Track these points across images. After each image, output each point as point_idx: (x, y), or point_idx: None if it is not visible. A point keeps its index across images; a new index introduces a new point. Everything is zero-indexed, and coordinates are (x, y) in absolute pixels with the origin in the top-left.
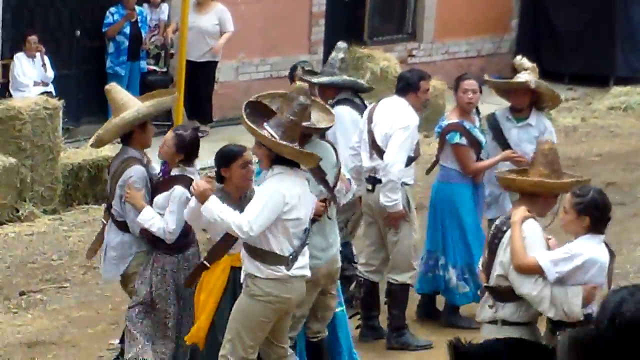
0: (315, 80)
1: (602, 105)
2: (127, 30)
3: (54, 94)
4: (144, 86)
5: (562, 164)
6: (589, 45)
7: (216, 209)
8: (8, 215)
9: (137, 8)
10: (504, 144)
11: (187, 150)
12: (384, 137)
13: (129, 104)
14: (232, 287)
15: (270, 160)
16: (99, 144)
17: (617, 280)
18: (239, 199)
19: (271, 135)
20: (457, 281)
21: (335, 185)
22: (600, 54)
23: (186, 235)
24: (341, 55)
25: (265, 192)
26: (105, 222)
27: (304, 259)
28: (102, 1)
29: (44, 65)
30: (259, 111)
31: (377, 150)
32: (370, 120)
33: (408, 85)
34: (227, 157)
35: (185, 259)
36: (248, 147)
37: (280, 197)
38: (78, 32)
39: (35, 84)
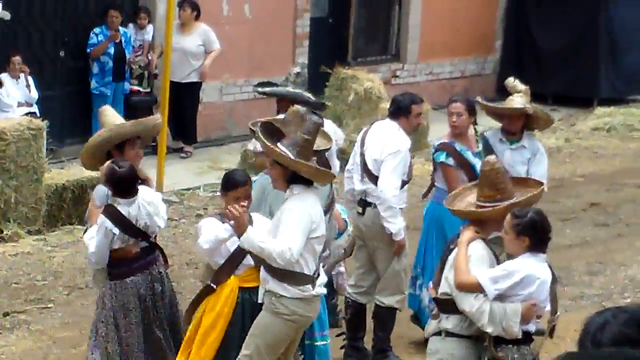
0: (260, 89)
1: (585, 126)
2: (112, 50)
3: (38, 114)
4: (128, 107)
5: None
6: (572, 66)
7: (257, 238)
8: None
9: (120, 29)
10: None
11: (115, 185)
12: (374, 162)
13: (111, 125)
14: (242, 307)
15: (285, 180)
16: (85, 166)
17: (601, 300)
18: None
19: (286, 153)
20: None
21: (325, 213)
22: (583, 75)
23: (125, 264)
24: (297, 69)
25: (294, 215)
26: None
27: (322, 277)
28: (86, 22)
29: (28, 85)
30: (271, 131)
31: (368, 173)
32: (362, 143)
33: (399, 109)
34: (226, 184)
35: (120, 287)
36: (229, 167)
37: (308, 217)
38: (62, 53)
39: (19, 104)
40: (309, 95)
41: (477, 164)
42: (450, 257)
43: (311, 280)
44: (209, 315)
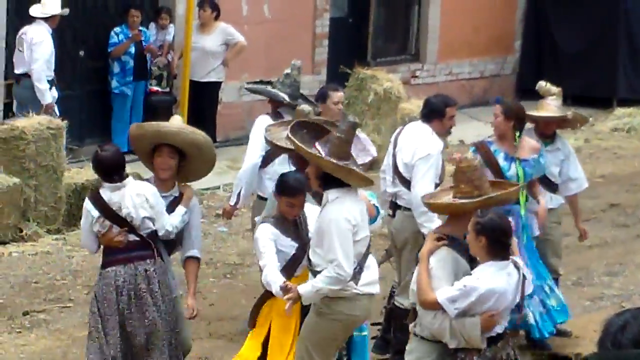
0: (246, 86)
1: (605, 127)
2: (132, 50)
3: (57, 114)
4: (148, 106)
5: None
6: (591, 66)
7: (309, 289)
8: (12, 235)
9: (141, 28)
10: None
11: (96, 168)
12: (404, 166)
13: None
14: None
15: (317, 179)
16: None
17: (621, 301)
18: (294, 224)
19: (318, 152)
20: None
21: None
22: (602, 76)
23: (111, 254)
24: (287, 70)
25: (332, 229)
26: None
27: (370, 275)
28: (106, 21)
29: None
30: (313, 130)
31: (399, 176)
32: (395, 144)
33: (433, 111)
34: (281, 188)
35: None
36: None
37: (347, 225)
38: (82, 52)
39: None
40: (282, 96)
41: (508, 167)
42: (415, 270)
43: (353, 277)
44: (279, 320)
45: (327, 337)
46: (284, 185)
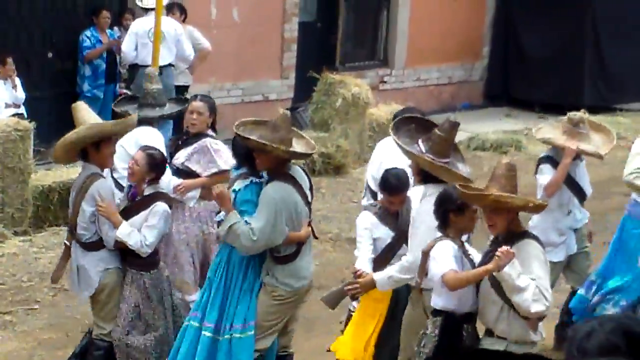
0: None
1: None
2: (104, 53)
3: (25, 115)
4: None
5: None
6: (559, 73)
7: (383, 276)
8: None
9: (107, 31)
10: (570, 181)
11: (159, 169)
12: (373, 180)
13: (87, 122)
14: (396, 298)
15: (418, 175)
16: (55, 160)
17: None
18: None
19: (420, 149)
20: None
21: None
22: (570, 83)
23: (156, 252)
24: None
25: (420, 223)
26: (68, 243)
27: None
28: (75, 24)
29: (14, 86)
30: (420, 125)
31: (370, 190)
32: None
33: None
34: (382, 183)
35: (157, 275)
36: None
37: (434, 222)
38: (50, 54)
39: (7, 105)
40: (153, 115)
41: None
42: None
43: None
44: (367, 303)
45: (420, 328)
46: (385, 183)
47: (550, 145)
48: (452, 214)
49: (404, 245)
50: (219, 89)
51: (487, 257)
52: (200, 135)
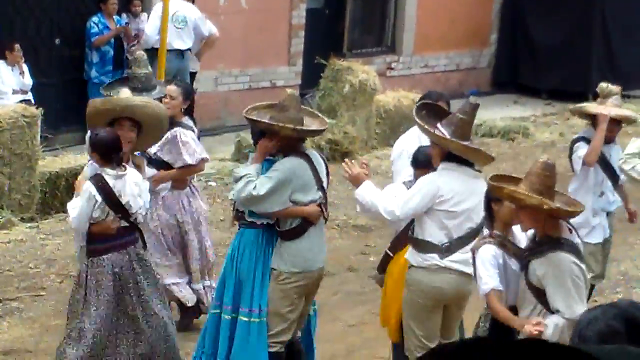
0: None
1: (580, 121)
2: (112, 40)
3: (32, 102)
4: None
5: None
6: (566, 61)
7: (369, 193)
8: None
9: (115, 17)
10: (604, 163)
11: (96, 149)
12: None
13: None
14: None
15: (440, 158)
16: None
17: (593, 296)
18: None
19: (442, 133)
20: None
21: (326, 192)
22: (577, 70)
23: (97, 240)
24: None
25: (420, 183)
26: None
27: (462, 255)
28: (82, 10)
29: (22, 73)
30: (434, 112)
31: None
32: None
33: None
34: (414, 160)
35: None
36: (224, 157)
37: (434, 188)
38: (57, 41)
39: (14, 92)
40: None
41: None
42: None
43: (437, 249)
44: (389, 282)
45: (418, 309)
46: (415, 159)
47: (583, 114)
48: (493, 203)
49: None
50: (226, 76)
51: (524, 255)
52: (174, 123)
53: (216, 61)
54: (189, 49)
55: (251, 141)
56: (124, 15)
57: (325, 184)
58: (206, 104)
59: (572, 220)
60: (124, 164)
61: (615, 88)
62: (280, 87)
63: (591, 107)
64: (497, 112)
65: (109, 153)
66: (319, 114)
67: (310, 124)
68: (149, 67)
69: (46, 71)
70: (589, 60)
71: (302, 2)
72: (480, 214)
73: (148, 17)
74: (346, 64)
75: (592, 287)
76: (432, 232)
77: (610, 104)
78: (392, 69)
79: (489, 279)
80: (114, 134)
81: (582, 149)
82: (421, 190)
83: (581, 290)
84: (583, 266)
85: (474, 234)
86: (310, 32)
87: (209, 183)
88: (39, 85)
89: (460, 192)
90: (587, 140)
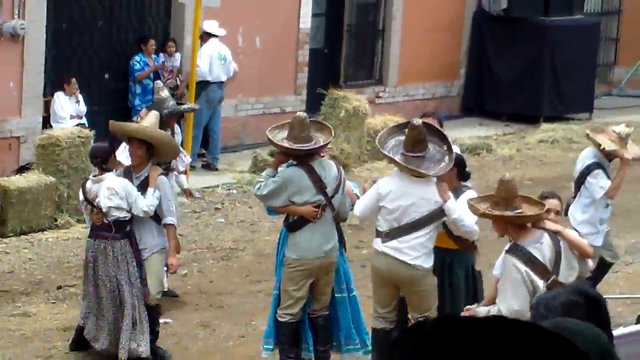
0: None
1: (533, 139)
2: (151, 74)
3: (86, 125)
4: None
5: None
6: (522, 90)
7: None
8: (48, 223)
9: (153, 56)
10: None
11: (90, 159)
12: None
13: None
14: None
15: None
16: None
17: None
18: None
19: (389, 147)
20: None
21: (333, 195)
22: (531, 98)
23: (106, 229)
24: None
25: (372, 189)
26: None
27: (398, 244)
28: (127, 50)
29: (78, 101)
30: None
31: None
32: None
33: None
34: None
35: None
36: (242, 169)
37: (375, 189)
38: (107, 76)
39: (71, 117)
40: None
41: None
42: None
43: (381, 235)
44: None
45: (373, 282)
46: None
47: (609, 152)
48: None
49: None
50: (244, 103)
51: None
52: None
53: (236, 92)
54: (222, 82)
55: (265, 157)
56: (161, 54)
57: (330, 189)
58: (227, 127)
59: (590, 227)
60: (107, 171)
61: (629, 129)
62: (289, 112)
63: (619, 150)
64: (465, 132)
65: (93, 160)
66: (327, 124)
67: (318, 137)
68: (166, 92)
69: (97, 100)
70: (540, 90)
71: (306, 43)
72: (418, 211)
73: (181, 56)
74: (342, 93)
75: (611, 264)
76: (380, 222)
77: (630, 147)
78: (379, 97)
79: (512, 301)
80: (100, 146)
81: (602, 179)
82: (369, 192)
83: (517, 290)
84: (524, 270)
85: (411, 226)
86: (312, 68)
87: (231, 191)
88: (91, 112)
89: (395, 191)
90: (601, 166)
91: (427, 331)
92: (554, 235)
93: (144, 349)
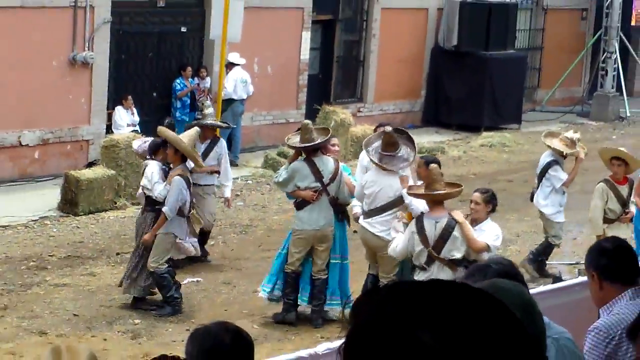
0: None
1: (476, 144)
2: (189, 93)
3: (139, 131)
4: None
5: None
6: (467, 106)
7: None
8: (109, 205)
9: (189, 80)
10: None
11: (150, 150)
12: None
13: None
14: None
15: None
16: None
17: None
18: None
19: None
20: None
21: (329, 184)
22: (475, 112)
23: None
24: (205, 111)
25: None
26: None
27: (372, 220)
28: (170, 75)
29: (132, 113)
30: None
31: None
32: None
33: None
34: None
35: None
36: (256, 166)
37: (361, 179)
38: (155, 94)
39: (128, 125)
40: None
41: None
42: (455, 232)
43: (364, 213)
44: None
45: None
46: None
47: (549, 145)
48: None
49: None
50: (258, 115)
51: None
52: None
53: (252, 107)
54: (243, 100)
55: (274, 156)
56: (195, 78)
57: (326, 179)
58: (245, 133)
59: (554, 208)
60: (153, 159)
61: (577, 134)
62: (292, 122)
63: (570, 150)
64: (425, 138)
65: (147, 150)
66: (327, 128)
67: (318, 138)
68: (211, 108)
69: (148, 113)
70: (481, 106)
71: (305, 70)
72: (385, 197)
73: (211, 80)
74: (332, 108)
75: (554, 245)
76: (364, 204)
77: (580, 147)
78: (360, 111)
79: None
80: (154, 141)
81: (560, 172)
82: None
83: (405, 239)
84: (413, 230)
85: (380, 208)
86: (310, 89)
87: (248, 181)
88: (143, 122)
89: (370, 182)
90: (558, 163)
91: (381, 295)
92: (453, 221)
93: (137, 291)
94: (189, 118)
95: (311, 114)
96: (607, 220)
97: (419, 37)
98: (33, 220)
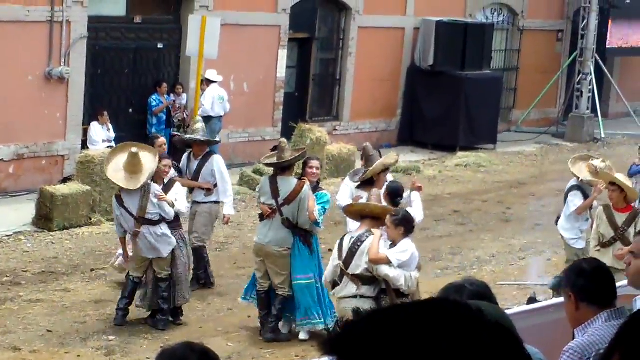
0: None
1: (451, 163)
2: (164, 110)
3: (114, 147)
4: (171, 144)
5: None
6: (443, 125)
7: None
8: (84, 221)
9: (165, 96)
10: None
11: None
12: None
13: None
14: None
15: None
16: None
17: (459, 271)
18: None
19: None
20: None
21: (283, 204)
22: (451, 132)
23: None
24: (194, 127)
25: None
26: None
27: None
28: (146, 91)
29: (108, 129)
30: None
31: None
32: None
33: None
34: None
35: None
36: (233, 183)
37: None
38: (130, 110)
39: (103, 141)
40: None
41: None
42: (364, 246)
43: None
44: None
45: None
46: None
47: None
48: None
49: None
50: (234, 133)
51: None
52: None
53: (228, 124)
54: (221, 117)
55: (249, 173)
56: (171, 95)
57: (281, 199)
58: (221, 150)
59: (573, 233)
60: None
61: (604, 164)
62: (268, 140)
63: (593, 181)
64: (400, 157)
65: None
66: (303, 148)
67: (290, 157)
68: (199, 124)
69: (123, 128)
70: (457, 126)
71: (281, 88)
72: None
73: (187, 96)
74: (308, 126)
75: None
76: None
77: (604, 175)
78: (336, 130)
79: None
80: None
81: (577, 199)
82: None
83: (334, 251)
84: (338, 243)
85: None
86: (286, 107)
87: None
88: (118, 137)
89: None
90: (580, 188)
91: (364, 329)
92: (365, 235)
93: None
94: (165, 134)
95: (287, 132)
96: (601, 244)
97: (395, 56)
98: (7, 236)
